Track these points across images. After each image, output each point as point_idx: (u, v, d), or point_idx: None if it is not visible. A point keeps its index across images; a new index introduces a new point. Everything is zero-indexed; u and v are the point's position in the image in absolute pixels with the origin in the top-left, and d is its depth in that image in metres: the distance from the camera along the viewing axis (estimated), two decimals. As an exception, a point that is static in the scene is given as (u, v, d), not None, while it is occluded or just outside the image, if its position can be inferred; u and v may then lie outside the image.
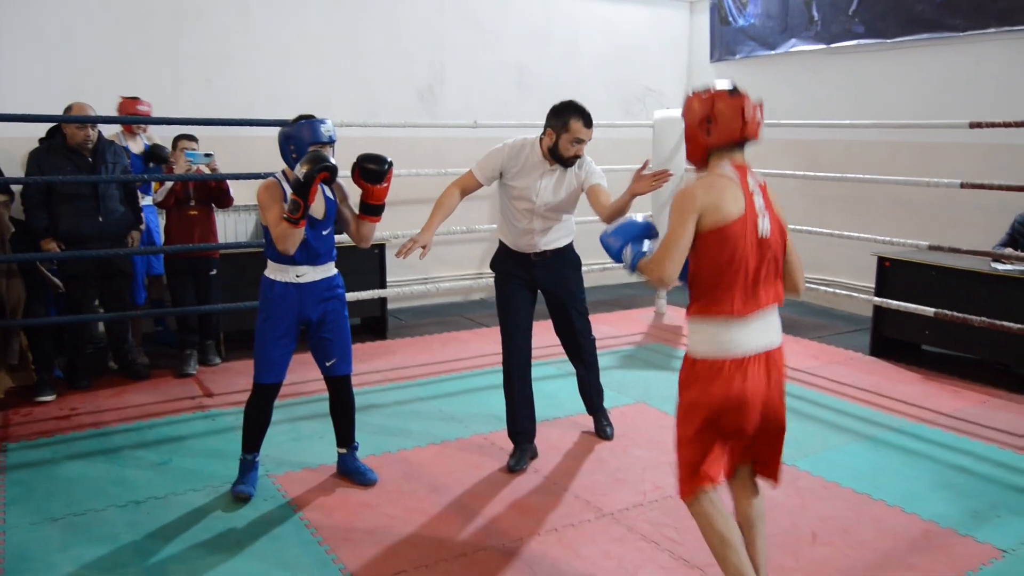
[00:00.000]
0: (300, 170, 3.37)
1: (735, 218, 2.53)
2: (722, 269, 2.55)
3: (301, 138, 3.59)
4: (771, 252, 2.61)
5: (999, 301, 5.26)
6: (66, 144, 5.07)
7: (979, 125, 5.13)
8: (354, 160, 3.66)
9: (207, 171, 5.43)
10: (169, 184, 5.49)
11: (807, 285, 6.58)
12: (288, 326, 3.69)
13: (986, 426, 4.64)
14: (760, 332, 2.61)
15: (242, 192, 6.82)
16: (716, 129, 2.60)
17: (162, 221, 5.93)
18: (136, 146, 5.93)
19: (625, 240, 2.84)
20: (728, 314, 2.57)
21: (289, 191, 3.46)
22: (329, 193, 3.74)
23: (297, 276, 3.65)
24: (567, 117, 4.03)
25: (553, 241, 4.23)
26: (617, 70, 8.81)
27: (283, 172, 3.69)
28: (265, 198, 3.56)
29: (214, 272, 5.73)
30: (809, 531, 3.45)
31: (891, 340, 6.04)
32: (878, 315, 6.06)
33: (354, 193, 3.82)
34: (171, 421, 4.68)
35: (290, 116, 6.05)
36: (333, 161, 3.47)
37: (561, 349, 4.63)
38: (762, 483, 2.81)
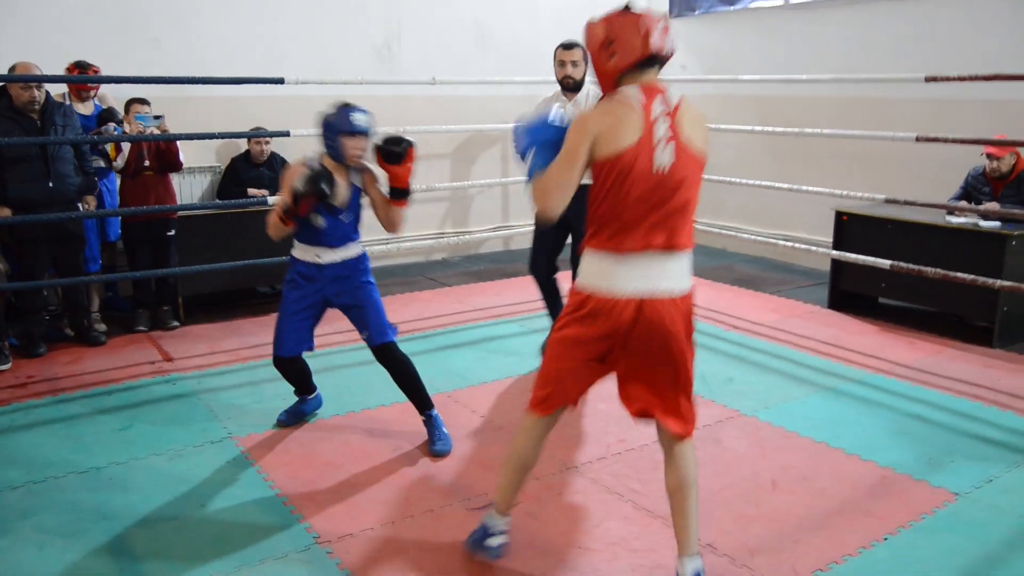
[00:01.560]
0: (296, 184, 3.41)
1: (626, 147, 2.36)
2: (611, 201, 2.41)
3: (332, 125, 3.56)
4: (669, 188, 2.40)
5: (953, 253, 5.35)
6: (12, 106, 4.91)
7: (935, 79, 5.17)
8: (319, 123, 3.63)
9: (158, 133, 5.32)
10: (126, 151, 5.37)
11: (768, 240, 6.64)
12: (305, 304, 3.76)
13: (941, 375, 4.75)
14: (641, 276, 2.44)
15: (199, 153, 6.70)
16: (617, 50, 2.43)
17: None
18: (86, 108, 5.77)
19: (532, 142, 2.57)
20: (610, 249, 2.44)
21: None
22: (356, 180, 3.73)
23: (317, 256, 3.70)
24: (555, 49, 4.72)
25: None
26: (576, 26, 8.68)
27: (320, 157, 3.66)
28: (284, 179, 3.59)
29: (172, 232, 5.63)
30: (769, 479, 3.52)
31: (849, 293, 6.13)
32: (836, 269, 6.14)
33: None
34: (130, 387, 4.62)
35: (244, 75, 5.96)
36: (327, 188, 3.45)
37: (523, 308, 4.70)
38: (688, 448, 2.66)
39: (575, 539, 3.06)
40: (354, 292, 3.77)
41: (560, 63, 4.70)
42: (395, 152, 3.58)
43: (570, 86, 4.72)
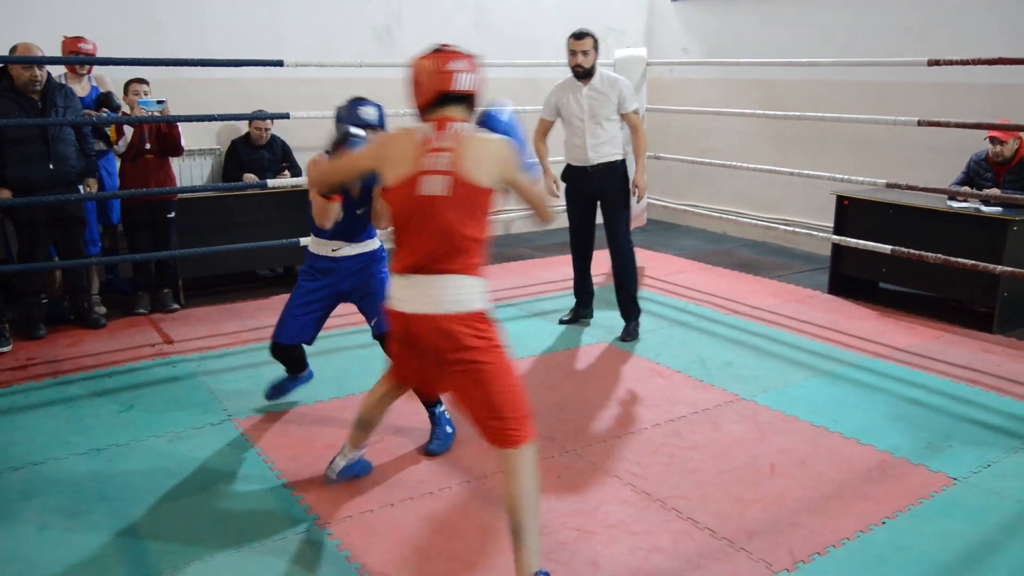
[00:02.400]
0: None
1: (398, 175, 2.54)
2: (394, 224, 2.61)
3: (343, 119, 3.53)
4: (436, 216, 2.49)
5: (954, 238, 5.35)
6: (13, 87, 4.89)
7: (937, 63, 5.15)
8: (334, 117, 3.61)
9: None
10: (128, 135, 5.36)
11: (768, 225, 6.64)
12: (318, 296, 3.76)
13: (940, 360, 4.75)
14: (412, 296, 2.54)
15: (199, 136, 6.69)
16: (418, 91, 2.64)
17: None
18: (82, 89, 5.75)
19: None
20: (393, 267, 2.62)
21: None
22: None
23: (333, 251, 3.71)
24: (568, 39, 4.94)
25: (605, 155, 4.99)
26: (577, 9, 8.68)
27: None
28: (310, 172, 3.54)
29: (172, 215, 5.63)
30: (768, 463, 3.53)
31: (849, 278, 6.13)
32: (836, 253, 6.13)
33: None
34: (131, 369, 4.63)
35: (244, 57, 5.94)
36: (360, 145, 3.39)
37: (523, 292, 4.79)
38: (516, 456, 2.56)
39: (574, 522, 3.08)
40: (367, 282, 3.78)
41: (571, 52, 4.91)
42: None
43: (580, 74, 4.94)
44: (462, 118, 2.63)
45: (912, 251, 5.26)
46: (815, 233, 6.28)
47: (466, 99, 2.65)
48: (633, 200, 5.14)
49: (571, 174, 5.17)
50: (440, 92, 2.60)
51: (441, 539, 2.97)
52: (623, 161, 5.09)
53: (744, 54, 7.72)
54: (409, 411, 4.03)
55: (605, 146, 4.99)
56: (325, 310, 3.83)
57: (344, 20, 7.33)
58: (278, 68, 5.55)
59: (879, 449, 3.65)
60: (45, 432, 3.81)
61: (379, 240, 3.85)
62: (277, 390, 4.12)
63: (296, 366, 4.06)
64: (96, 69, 5.90)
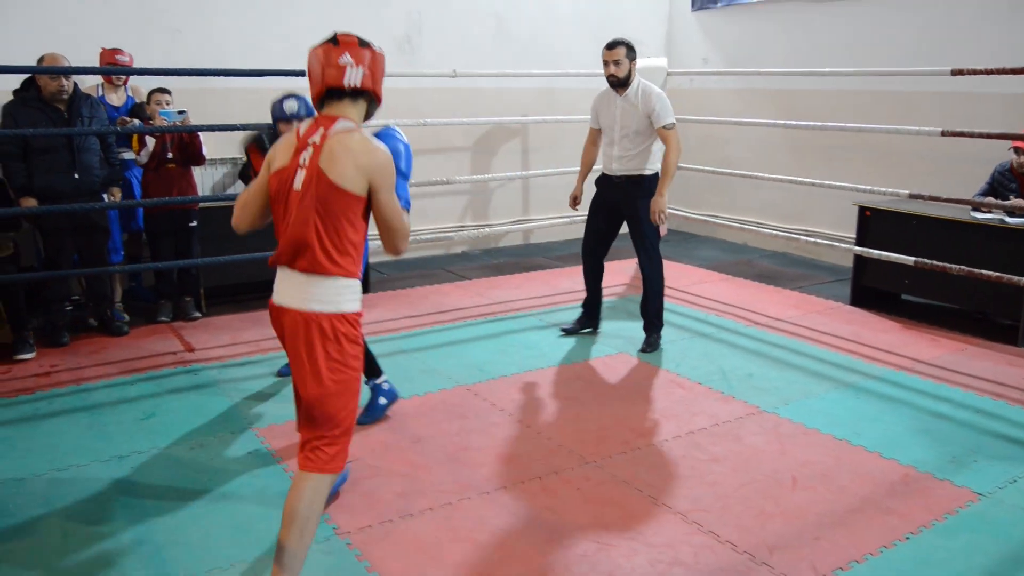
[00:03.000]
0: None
1: (275, 169, 2.53)
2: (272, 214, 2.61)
3: (272, 114, 4.07)
4: (297, 212, 2.44)
5: (978, 250, 5.29)
6: (40, 97, 4.95)
7: (961, 72, 5.11)
8: None
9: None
10: (151, 146, 5.41)
11: (789, 235, 6.61)
12: None
13: (964, 373, 4.70)
14: (282, 288, 2.52)
15: (220, 145, 6.73)
16: (311, 83, 2.54)
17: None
18: (118, 99, 5.83)
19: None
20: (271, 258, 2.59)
21: None
22: None
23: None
24: (602, 51, 4.93)
25: (629, 168, 4.97)
26: (596, 19, 8.69)
27: None
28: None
29: (194, 224, 5.67)
30: (790, 476, 3.50)
31: (872, 289, 6.08)
32: (859, 265, 6.08)
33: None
34: (153, 376, 4.66)
35: (263, 66, 5.98)
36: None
37: (542, 302, 4.86)
38: (307, 480, 2.48)
39: (594, 534, 3.06)
40: None
41: (604, 63, 4.92)
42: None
43: (614, 83, 4.92)
44: (346, 115, 2.51)
45: (936, 263, 5.21)
46: (837, 244, 6.24)
47: (358, 95, 2.53)
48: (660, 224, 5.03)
49: (600, 182, 5.19)
50: (327, 86, 2.49)
51: (460, 549, 2.96)
52: (654, 176, 4.96)
53: (764, 64, 7.70)
54: (426, 421, 4.04)
55: (633, 159, 4.94)
56: None
57: (364, 30, 7.25)
58: (297, 78, 5.58)
59: (902, 463, 3.61)
60: (67, 439, 3.84)
61: None
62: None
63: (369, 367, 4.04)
64: (132, 80, 5.99)
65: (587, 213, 5.27)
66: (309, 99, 3.58)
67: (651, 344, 5.11)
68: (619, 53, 4.85)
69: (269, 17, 6.91)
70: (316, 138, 2.46)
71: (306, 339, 2.46)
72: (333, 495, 3.29)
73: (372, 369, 4.00)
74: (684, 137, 8.55)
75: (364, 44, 2.53)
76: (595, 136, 5.23)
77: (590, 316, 5.43)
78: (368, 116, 2.61)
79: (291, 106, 3.96)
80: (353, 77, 2.48)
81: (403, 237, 2.58)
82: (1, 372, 4.70)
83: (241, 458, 3.66)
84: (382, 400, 4.03)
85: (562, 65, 8.12)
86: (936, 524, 3.12)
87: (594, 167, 5.33)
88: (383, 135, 2.65)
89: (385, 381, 4.06)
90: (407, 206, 2.66)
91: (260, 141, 4.04)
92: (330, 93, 2.51)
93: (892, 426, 4.00)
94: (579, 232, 8.78)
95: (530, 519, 3.16)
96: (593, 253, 5.28)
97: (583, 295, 5.43)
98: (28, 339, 4.97)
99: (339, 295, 2.48)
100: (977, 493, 3.35)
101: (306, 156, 2.46)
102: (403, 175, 2.64)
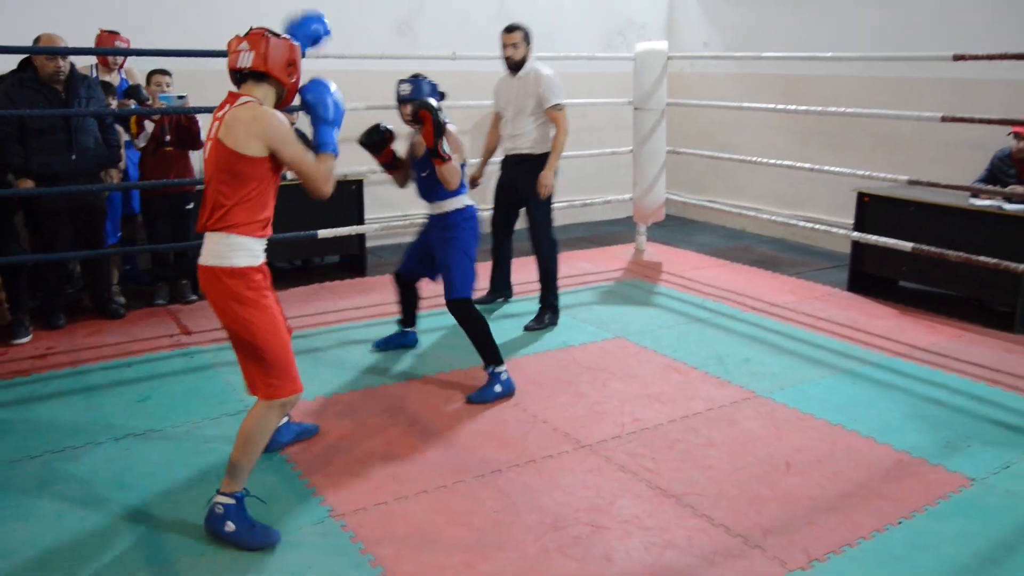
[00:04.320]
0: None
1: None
2: None
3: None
4: (207, 178, 2.87)
5: (976, 237, 5.28)
6: (37, 77, 4.93)
7: (963, 58, 5.08)
8: None
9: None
10: (149, 130, 5.39)
11: (788, 221, 6.59)
12: (419, 243, 4.49)
13: (960, 360, 4.70)
14: (203, 249, 2.89)
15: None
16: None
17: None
18: (112, 80, 5.80)
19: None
20: None
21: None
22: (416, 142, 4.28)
23: (426, 211, 4.32)
24: (500, 34, 5.14)
25: (521, 147, 5.17)
26: (597, 2, 8.65)
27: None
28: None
29: (191, 206, 5.66)
30: (784, 461, 3.50)
31: (869, 276, 6.08)
32: (857, 251, 6.08)
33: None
34: (149, 359, 4.66)
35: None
36: (372, 139, 4.14)
37: (538, 285, 4.90)
38: (258, 405, 2.94)
39: (588, 517, 3.07)
40: (438, 246, 4.23)
41: (503, 45, 5.14)
42: (374, 144, 4.13)
43: (511, 65, 5.15)
44: (251, 92, 2.86)
45: (933, 249, 5.20)
46: (835, 230, 6.23)
47: (257, 76, 2.88)
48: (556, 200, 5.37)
49: (502, 164, 5.42)
50: (229, 68, 2.90)
51: (454, 532, 2.97)
52: (544, 155, 5.13)
53: (765, 48, 7.66)
54: (423, 404, 4.04)
55: (524, 138, 5.15)
56: (426, 258, 4.44)
57: (364, 12, 7.33)
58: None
59: (896, 448, 3.62)
60: (64, 421, 3.85)
61: (463, 202, 4.22)
62: (385, 342, 4.77)
63: (406, 310, 4.73)
64: (127, 62, 5.95)
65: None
66: (426, 81, 4.11)
67: (541, 320, 5.26)
68: (517, 37, 5.08)
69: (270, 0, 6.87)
70: (221, 113, 2.84)
71: (216, 288, 2.86)
72: (297, 440, 3.63)
73: (493, 356, 4.13)
74: (684, 121, 8.59)
75: (267, 34, 2.87)
76: (497, 118, 5.45)
77: (499, 291, 5.75)
78: (281, 97, 2.94)
79: (402, 88, 4.17)
80: (244, 60, 2.85)
81: (320, 180, 2.90)
82: (-2, 354, 4.71)
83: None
84: (497, 388, 4.11)
85: (564, 48, 8.08)
86: (929, 509, 3.13)
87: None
88: (308, 87, 2.98)
89: (504, 372, 4.14)
90: (334, 150, 2.96)
91: (374, 132, 4.16)
92: (234, 75, 2.91)
93: (887, 412, 4.01)
94: (578, 216, 8.82)
95: (525, 502, 3.17)
96: (496, 224, 5.50)
97: (581, 279, 5.47)
98: (24, 321, 4.97)
99: (229, 251, 2.84)
100: (970, 478, 3.36)
101: (213, 129, 2.85)
102: (326, 122, 2.95)
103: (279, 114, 2.84)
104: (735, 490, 3.27)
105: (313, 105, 2.95)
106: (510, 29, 5.11)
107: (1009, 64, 5.22)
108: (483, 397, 4.08)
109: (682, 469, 3.43)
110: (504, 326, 5.25)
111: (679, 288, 6.18)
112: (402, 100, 4.15)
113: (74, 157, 5.00)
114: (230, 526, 2.84)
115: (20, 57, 5.09)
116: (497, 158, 5.58)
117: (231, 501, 2.87)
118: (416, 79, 4.15)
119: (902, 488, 3.28)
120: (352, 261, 6.72)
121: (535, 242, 5.31)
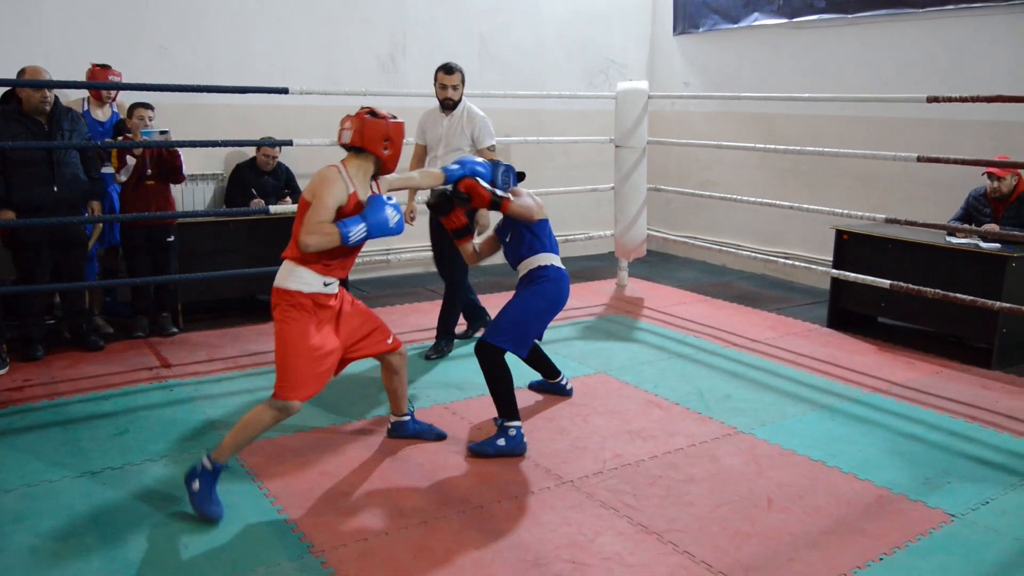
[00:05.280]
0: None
1: None
2: None
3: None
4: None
5: (953, 274, 5.36)
6: (21, 109, 4.93)
7: (936, 99, 5.19)
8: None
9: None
10: (132, 164, 5.38)
11: (768, 258, 6.66)
12: None
13: (938, 396, 4.74)
14: None
15: (204, 161, 6.72)
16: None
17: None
18: (103, 115, 5.82)
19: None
20: None
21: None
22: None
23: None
24: (436, 71, 5.21)
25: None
26: (579, 42, 8.77)
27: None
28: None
29: (172, 239, 5.64)
30: (765, 497, 3.51)
31: (848, 312, 6.13)
32: (836, 287, 6.14)
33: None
34: (127, 392, 4.62)
35: (250, 83, 5.97)
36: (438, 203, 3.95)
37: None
38: None
39: (569, 554, 3.05)
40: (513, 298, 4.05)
41: (441, 86, 5.18)
42: (439, 205, 3.94)
43: (448, 105, 5.22)
44: (347, 162, 3.42)
45: (911, 286, 5.27)
46: (814, 267, 6.29)
47: (359, 150, 3.41)
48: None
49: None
50: (339, 143, 3.49)
51: (435, 569, 2.94)
52: None
53: (745, 88, 7.79)
54: (404, 439, 4.02)
55: None
56: None
57: (349, 49, 7.40)
58: (283, 95, 5.61)
59: (877, 484, 3.63)
60: (40, 454, 3.80)
61: (548, 260, 4.03)
62: (540, 386, 4.73)
63: (542, 369, 4.64)
64: (120, 96, 5.97)
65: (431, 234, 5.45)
66: (482, 162, 3.92)
67: (439, 350, 5.33)
68: (457, 79, 5.16)
69: (257, 35, 6.93)
70: None
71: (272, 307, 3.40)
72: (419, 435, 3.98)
73: (509, 410, 3.90)
74: (665, 159, 8.69)
75: (370, 114, 3.43)
76: (421, 152, 5.44)
77: (470, 317, 5.73)
78: (378, 167, 3.47)
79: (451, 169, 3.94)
80: (344, 137, 3.42)
81: (311, 234, 3.22)
82: (-26, 386, 4.66)
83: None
84: (501, 441, 3.86)
85: (546, 86, 8.19)
86: (909, 545, 3.14)
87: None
88: (376, 198, 3.38)
89: (517, 427, 3.89)
90: (344, 237, 3.25)
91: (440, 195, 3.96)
92: (345, 148, 3.47)
93: (867, 448, 4.03)
94: (566, 251, 8.78)
95: (506, 539, 3.15)
96: (438, 260, 5.45)
97: (563, 314, 5.46)
98: (1, 353, 4.92)
99: (284, 275, 3.36)
100: (950, 514, 3.38)
101: None
102: (365, 223, 3.29)
103: (337, 182, 3.30)
104: (716, 526, 3.27)
105: (365, 211, 3.33)
106: (451, 71, 5.14)
107: (984, 105, 5.33)
108: (483, 449, 3.85)
109: (663, 505, 3.43)
110: (476, 362, 5.24)
111: (660, 323, 6.21)
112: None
113: (56, 189, 4.99)
114: (196, 485, 3.24)
115: (3, 90, 5.10)
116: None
117: (210, 467, 3.24)
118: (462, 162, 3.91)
119: (883, 524, 3.29)
120: (334, 295, 6.71)
121: (448, 278, 5.38)
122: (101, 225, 5.69)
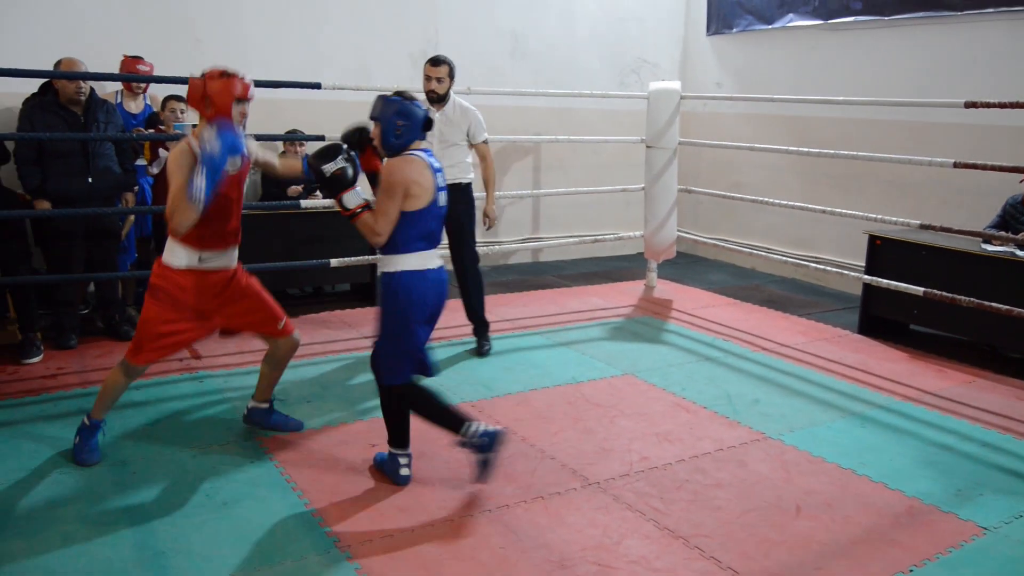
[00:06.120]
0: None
1: None
2: None
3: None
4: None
5: (988, 282, 5.28)
6: (57, 100, 4.99)
7: (974, 105, 5.11)
8: (344, 129, 3.74)
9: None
10: (164, 157, 5.44)
11: (798, 262, 6.59)
12: None
13: (971, 406, 4.68)
14: None
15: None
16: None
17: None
18: (136, 106, 5.87)
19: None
20: None
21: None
22: None
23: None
24: (424, 63, 5.10)
25: (460, 177, 5.15)
26: (612, 41, 8.74)
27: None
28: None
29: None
30: (793, 504, 3.48)
31: (880, 319, 6.06)
32: (867, 293, 6.07)
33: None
34: (159, 383, 4.66)
35: (284, 78, 5.99)
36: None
37: (552, 320, 4.83)
38: None
39: (595, 556, 3.04)
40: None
41: (426, 77, 5.06)
42: (358, 140, 3.67)
43: (433, 99, 5.08)
44: (198, 129, 3.53)
45: (945, 294, 5.20)
46: (846, 272, 6.23)
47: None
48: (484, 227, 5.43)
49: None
50: None
51: (460, 566, 2.95)
52: (470, 184, 5.27)
53: (778, 90, 7.72)
54: (433, 436, 4.03)
55: (452, 169, 5.08)
56: None
57: (382, 45, 7.42)
58: (315, 90, 5.64)
59: (907, 495, 3.59)
60: (72, 442, 3.84)
61: (384, 264, 3.50)
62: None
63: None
64: (151, 88, 6.02)
65: None
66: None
67: (483, 350, 5.34)
68: (443, 71, 5.04)
69: (291, 29, 6.97)
70: None
71: None
72: (275, 428, 4.03)
73: (400, 438, 3.55)
74: (696, 160, 8.63)
75: (200, 76, 3.49)
76: None
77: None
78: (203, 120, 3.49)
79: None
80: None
81: (169, 219, 3.31)
82: (8, 373, 4.72)
83: (244, 467, 3.66)
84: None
85: (578, 85, 8.16)
86: (940, 557, 3.10)
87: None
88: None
89: (405, 461, 3.55)
90: (191, 199, 3.23)
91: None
92: None
93: (897, 457, 3.98)
94: (590, 252, 8.84)
95: (532, 539, 3.14)
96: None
97: (591, 314, 5.44)
98: (36, 341, 4.98)
99: (167, 250, 3.56)
100: (982, 527, 3.33)
101: None
102: (206, 165, 3.25)
103: (183, 154, 3.37)
104: (743, 533, 3.24)
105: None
106: (437, 63, 5.04)
107: (1021, 111, 5.25)
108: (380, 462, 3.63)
109: (690, 510, 3.41)
110: (503, 361, 5.25)
111: (689, 326, 6.17)
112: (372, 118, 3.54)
113: (90, 180, 5.05)
114: (77, 439, 3.67)
115: (38, 82, 5.16)
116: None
117: (88, 424, 3.68)
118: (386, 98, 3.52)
119: (913, 535, 3.25)
120: (363, 289, 6.74)
121: (466, 269, 5.33)
122: (133, 216, 5.74)
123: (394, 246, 3.42)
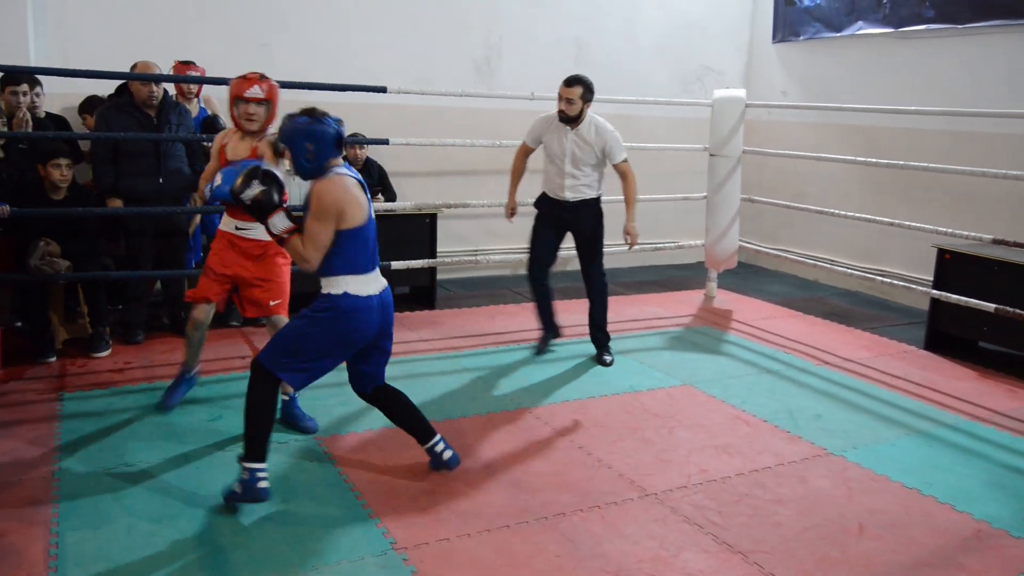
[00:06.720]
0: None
1: None
2: None
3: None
4: None
5: (1064, 300, 5.10)
6: (132, 102, 5.13)
7: (1053, 117, 4.95)
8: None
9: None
10: None
11: (864, 274, 6.46)
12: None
13: (1043, 427, 4.53)
14: None
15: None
16: None
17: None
18: (191, 110, 5.99)
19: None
20: None
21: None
22: None
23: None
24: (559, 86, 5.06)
25: (587, 194, 5.19)
26: (676, 48, 8.67)
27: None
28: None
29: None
30: (856, 523, 3.40)
31: (947, 335, 5.90)
32: (935, 309, 5.91)
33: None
34: (221, 379, 4.75)
35: (345, 82, 6.06)
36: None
37: (611, 328, 5.03)
38: None
39: (653, 568, 3.01)
40: None
41: (559, 97, 5.03)
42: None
43: (564, 119, 5.07)
44: None
45: (1018, 311, 5.03)
46: (913, 286, 6.08)
47: None
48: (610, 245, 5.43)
49: (546, 203, 5.31)
50: None
51: (515, 573, 2.94)
52: (599, 199, 5.27)
53: (843, 99, 7.58)
54: (488, 442, 4.03)
55: (583, 187, 5.15)
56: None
57: (445, 50, 7.46)
58: (379, 94, 5.70)
59: (976, 517, 3.48)
60: (137, 435, 3.94)
61: (325, 285, 3.42)
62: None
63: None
64: (206, 91, 6.14)
65: (532, 237, 5.39)
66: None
67: (604, 360, 5.32)
68: (575, 92, 4.96)
69: (353, 36, 7.06)
70: None
71: None
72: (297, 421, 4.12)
73: (256, 451, 3.27)
74: (759, 170, 8.51)
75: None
76: (527, 151, 5.39)
77: (551, 329, 5.55)
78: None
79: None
80: None
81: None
82: (78, 366, 4.85)
83: (304, 466, 3.71)
84: (236, 488, 3.27)
85: (641, 92, 8.10)
86: (1010, 584, 3.00)
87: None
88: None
89: (262, 474, 3.26)
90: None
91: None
92: None
93: (965, 478, 3.87)
94: (649, 259, 8.77)
95: (588, 548, 3.13)
96: (543, 261, 5.38)
97: (650, 323, 5.41)
98: (105, 336, 5.12)
99: None
100: (1055, 554, 3.22)
101: None
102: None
103: (221, 135, 4.28)
104: (804, 550, 3.18)
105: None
106: (571, 83, 4.97)
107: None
108: (225, 494, 3.30)
109: (750, 525, 3.35)
110: (561, 367, 5.23)
111: (749, 337, 6.08)
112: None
113: (161, 180, 5.18)
114: (171, 383, 4.28)
115: (113, 84, 5.32)
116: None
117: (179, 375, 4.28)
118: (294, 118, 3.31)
119: (982, 560, 3.15)
120: (422, 293, 6.78)
121: (594, 283, 5.38)
122: (199, 216, 5.86)
123: (334, 268, 3.31)
